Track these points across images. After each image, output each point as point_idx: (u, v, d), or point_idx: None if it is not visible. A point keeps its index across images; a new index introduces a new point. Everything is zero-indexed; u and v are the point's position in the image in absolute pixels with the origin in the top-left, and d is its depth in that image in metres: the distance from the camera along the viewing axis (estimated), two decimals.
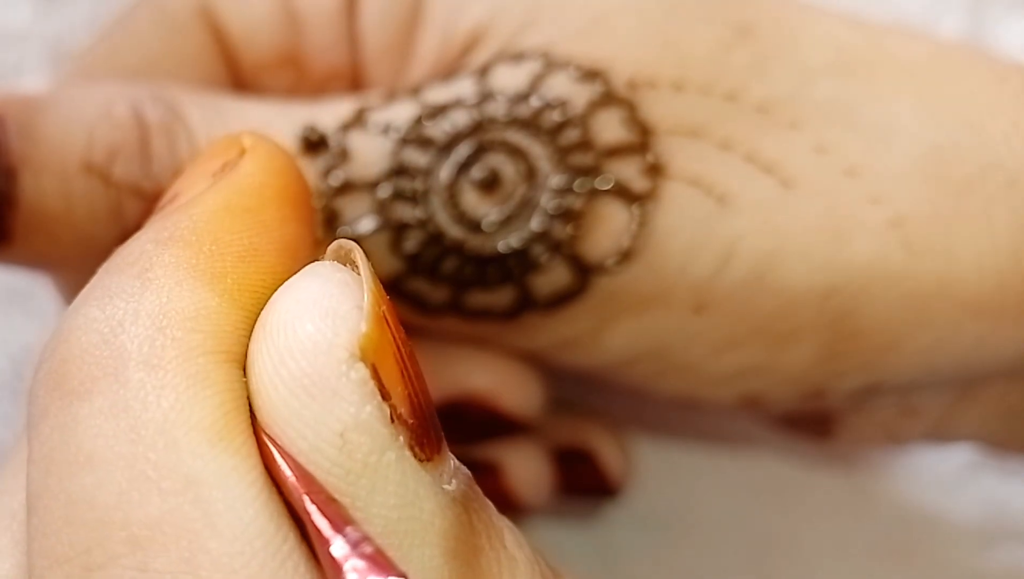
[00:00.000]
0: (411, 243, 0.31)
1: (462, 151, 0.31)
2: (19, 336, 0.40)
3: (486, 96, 0.31)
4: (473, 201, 0.31)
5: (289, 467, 0.22)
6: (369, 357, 0.23)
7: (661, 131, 0.31)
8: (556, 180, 0.31)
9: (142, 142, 0.31)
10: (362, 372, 0.23)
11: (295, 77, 0.34)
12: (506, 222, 0.31)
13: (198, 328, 0.24)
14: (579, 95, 0.31)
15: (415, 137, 0.31)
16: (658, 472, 0.40)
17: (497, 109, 0.31)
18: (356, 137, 0.31)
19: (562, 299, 0.32)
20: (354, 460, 0.22)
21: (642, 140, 0.31)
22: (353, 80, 0.34)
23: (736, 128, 0.31)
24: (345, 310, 0.23)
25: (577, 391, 0.37)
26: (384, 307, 0.23)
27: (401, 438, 0.23)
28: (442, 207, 0.31)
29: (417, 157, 0.31)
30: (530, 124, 0.31)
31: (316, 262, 0.25)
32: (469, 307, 0.32)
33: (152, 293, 0.24)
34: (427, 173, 0.31)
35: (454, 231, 0.31)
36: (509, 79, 0.31)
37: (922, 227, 0.31)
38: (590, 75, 0.31)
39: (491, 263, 0.31)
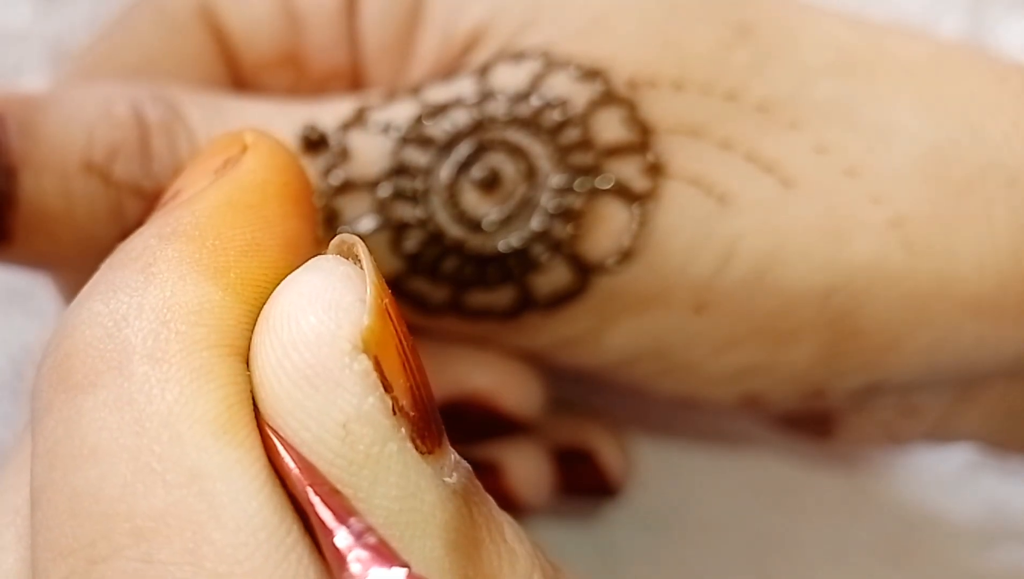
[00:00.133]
0: (411, 242, 0.31)
1: (462, 150, 0.31)
2: (19, 336, 0.40)
3: (486, 95, 0.31)
4: (473, 200, 0.31)
5: (292, 459, 0.23)
6: (372, 349, 0.23)
7: (661, 130, 0.31)
8: (556, 179, 0.31)
9: (142, 141, 0.31)
10: (365, 364, 0.23)
11: (295, 77, 0.34)
12: (506, 221, 0.31)
13: (202, 322, 0.24)
14: (579, 94, 0.31)
15: (415, 136, 0.31)
16: (658, 472, 0.40)
17: (497, 108, 0.31)
18: (356, 136, 0.31)
19: (562, 299, 0.32)
20: (356, 451, 0.22)
21: (642, 140, 0.31)
22: (353, 80, 0.34)
23: (736, 128, 0.31)
24: (348, 303, 0.23)
25: (577, 391, 0.37)
26: (386, 300, 0.23)
27: (403, 430, 0.23)
28: (442, 206, 0.31)
29: (417, 156, 0.31)
30: (530, 123, 0.31)
31: (319, 256, 0.25)
32: (469, 307, 0.32)
33: (156, 287, 0.24)
34: (427, 172, 0.31)
35: (454, 230, 0.31)
36: (509, 78, 0.32)
37: (922, 227, 0.31)
38: (590, 74, 0.31)
39: (491, 263, 0.31)
